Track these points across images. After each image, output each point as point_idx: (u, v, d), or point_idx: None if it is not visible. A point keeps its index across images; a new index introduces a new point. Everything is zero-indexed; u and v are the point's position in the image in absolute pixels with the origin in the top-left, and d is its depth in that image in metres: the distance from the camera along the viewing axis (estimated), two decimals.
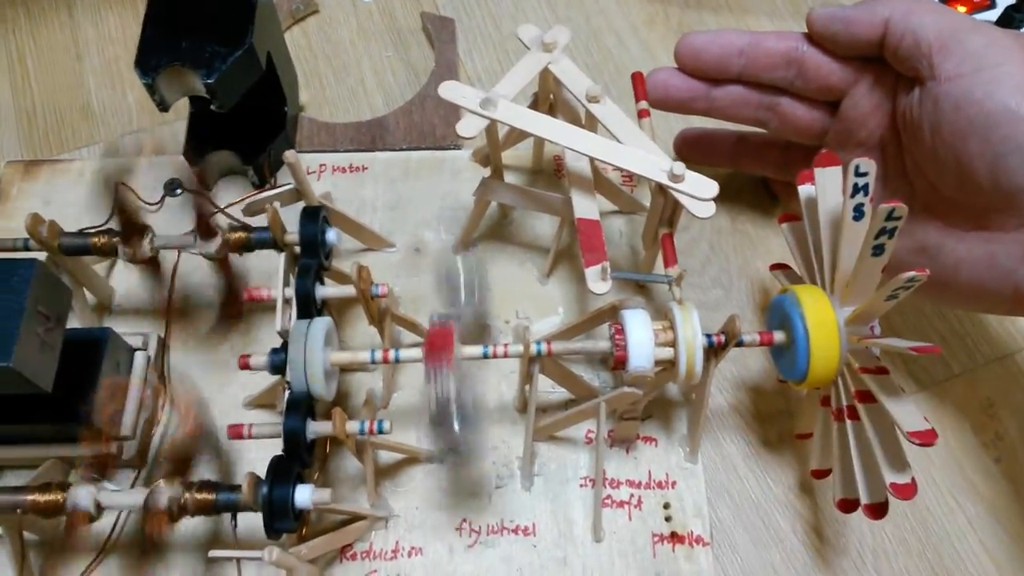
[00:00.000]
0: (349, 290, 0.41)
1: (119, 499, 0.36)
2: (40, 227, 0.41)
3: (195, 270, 0.49)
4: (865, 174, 0.36)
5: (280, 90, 0.51)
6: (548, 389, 0.46)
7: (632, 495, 0.44)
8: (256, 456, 0.44)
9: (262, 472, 0.36)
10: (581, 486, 0.44)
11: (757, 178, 0.54)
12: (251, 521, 0.37)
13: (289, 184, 0.44)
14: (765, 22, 0.61)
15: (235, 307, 0.48)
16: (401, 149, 0.54)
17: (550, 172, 0.53)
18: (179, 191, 0.52)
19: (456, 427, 0.37)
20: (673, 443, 0.45)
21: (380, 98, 0.57)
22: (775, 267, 0.46)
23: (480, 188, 0.46)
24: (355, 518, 0.42)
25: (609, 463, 0.44)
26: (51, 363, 0.37)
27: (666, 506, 0.43)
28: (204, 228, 0.41)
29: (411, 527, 0.43)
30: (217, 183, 0.53)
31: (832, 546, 0.44)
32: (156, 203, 0.50)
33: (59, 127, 0.56)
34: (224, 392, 0.46)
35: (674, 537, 0.42)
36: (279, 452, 0.37)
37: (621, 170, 0.46)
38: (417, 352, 0.39)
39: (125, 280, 0.49)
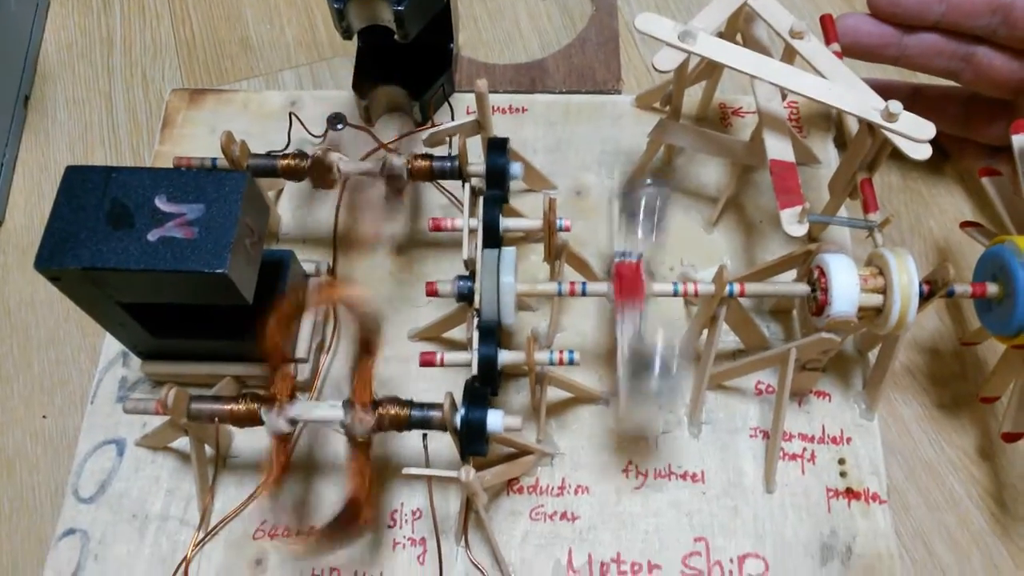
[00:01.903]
0: (534, 223, 0.41)
1: (318, 412, 0.36)
2: (232, 146, 0.41)
3: (358, 202, 0.49)
4: None
5: (449, 27, 0.50)
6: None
7: (805, 449, 0.43)
8: None
9: None
10: (751, 436, 0.43)
11: None
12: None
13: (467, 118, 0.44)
14: None
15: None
16: (561, 92, 0.53)
17: (715, 120, 0.52)
18: (342, 126, 0.52)
19: (652, 366, 0.36)
20: (848, 399, 0.44)
21: (535, 41, 0.57)
22: (966, 224, 0.44)
23: (657, 128, 0.46)
24: (523, 452, 0.42)
25: None
26: (253, 275, 0.37)
27: (841, 462, 0.42)
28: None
29: (577, 466, 0.43)
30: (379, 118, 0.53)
31: (1011, 513, 0.42)
32: (320, 136, 0.50)
33: (218, 59, 0.57)
34: (387, 323, 0.46)
35: (849, 493, 0.41)
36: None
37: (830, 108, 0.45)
38: (605, 287, 0.38)
39: (290, 209, 0.50)
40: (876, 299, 0.36)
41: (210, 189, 0.36)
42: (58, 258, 0.35)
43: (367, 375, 0.36)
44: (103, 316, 0.40)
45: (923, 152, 0.36)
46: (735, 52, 0.39)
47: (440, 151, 0.44)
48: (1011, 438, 0.40)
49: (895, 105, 0.36)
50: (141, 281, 0.35)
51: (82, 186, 0.36)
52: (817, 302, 0.37)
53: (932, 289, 0.36)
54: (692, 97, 0.51)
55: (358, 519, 0.35)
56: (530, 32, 0.57)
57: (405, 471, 0.36)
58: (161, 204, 0.36)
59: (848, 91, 0.38)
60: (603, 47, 0.54)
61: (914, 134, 0.36)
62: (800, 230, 0.38)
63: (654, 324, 0.38)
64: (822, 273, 0.37)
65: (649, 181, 0.38)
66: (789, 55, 0.42)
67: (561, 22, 0.57)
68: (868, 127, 0.38)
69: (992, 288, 0.37)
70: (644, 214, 0.39)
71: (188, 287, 0.36)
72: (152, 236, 0.35)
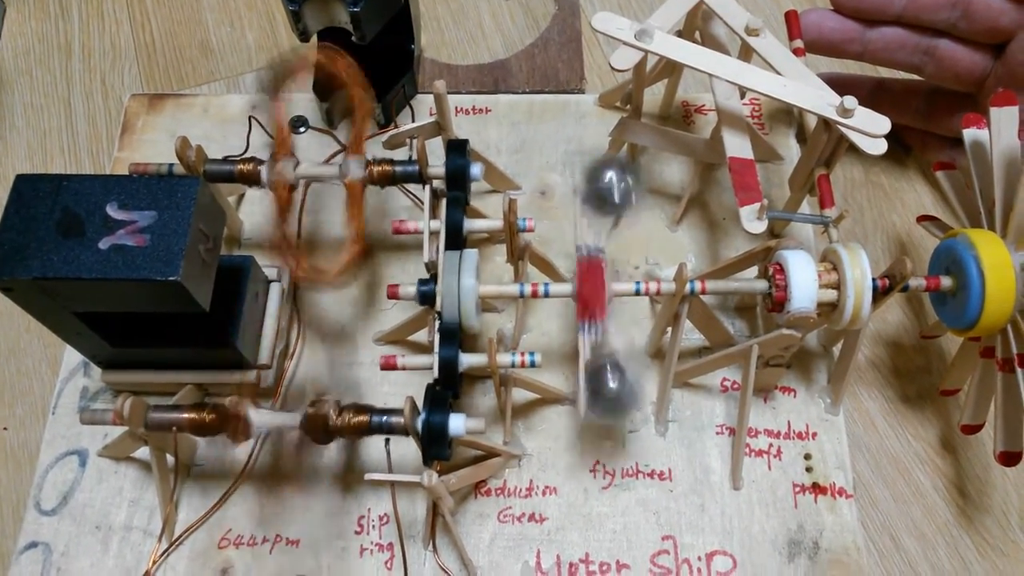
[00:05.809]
0: (496, 224, 0.40)
1: (274, 419, 0.36)
2: (188, 151, 0.41)
3: (322, 208, 0.49)
4: None
5: (410, 28, 0.50)
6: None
7: (771, 445, 0.43)
8: None
9: None
10: (717, 433, 0.43)
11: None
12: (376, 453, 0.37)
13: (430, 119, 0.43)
14: None
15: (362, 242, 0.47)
16: (524, 92, 0.53)
17: (678, 117, 0.52)
18: (304, 128, 0.51)
19: (612, 368, 0.36)
20: (812, 394, 0.44)
21: (499, 42, 0.56)
22: (923, 218, 0.44)
23: (618, 128, 0.45)
24: (490, 454, 0.42)
25: None
26: (209, 282, 0.37)
27: (807, 457, 0.42)
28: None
29: (544, 467, 0.43)
30: (341, 122, 0.52)
31: (975, 504, 0.42)
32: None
33: (179, 63, 0.56)
34: (351, 327, 0.46)
35: (816, 488, 0.41)
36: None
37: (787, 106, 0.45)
38: (567, 287, 0.38)
39: (251, 214, 0.49)
40: (831, 295, 0.36)
41: (162, 196, 0.35)
42: (8, 268, 0.34)
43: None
44: (58, 326, 0.39)
45: (878, 147, 0.37)
46: (691, 50, 0.39)
47: (402, 153, 0.44)
48: (970, 430, 0.40)
49: (850, 101, 0.37)
50: (93, 290, 0.35)
51: (32, 195, 0.36)
52: (774, 299, 0.37)
53: (890, 284, 0.37)
54: (656, 95, 0.51)
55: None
56: (493, 32, 0.57)
57: (367, 476, 0.36)
58: (112, 212, 0.35)
59: (803, 87, 0.38)
60: (566, 47, 0.54)
61: (869, 129, 0.37)
62: (759, 227, 0.38)
63: (615, 327, 0.38)
64: (779, 269, 0.37)
65: (612, 173, 0.38)
66: (746, 52, 0.42)
67: (524, 22, 0.57)
68: (824, 123, 0.38)
69: (946, 281, 0.37)
70: (609, 196, 0.38)
71: (141, 295, 0.35)
72: (103, 244, 0.34)
